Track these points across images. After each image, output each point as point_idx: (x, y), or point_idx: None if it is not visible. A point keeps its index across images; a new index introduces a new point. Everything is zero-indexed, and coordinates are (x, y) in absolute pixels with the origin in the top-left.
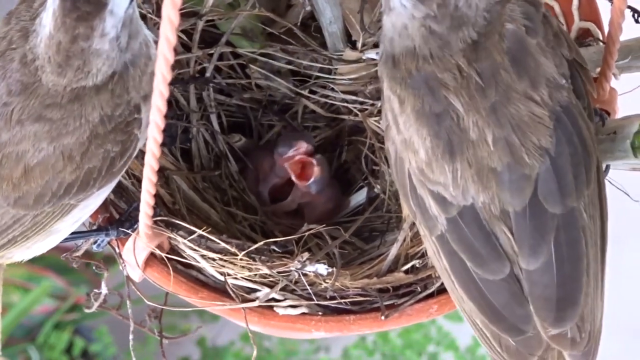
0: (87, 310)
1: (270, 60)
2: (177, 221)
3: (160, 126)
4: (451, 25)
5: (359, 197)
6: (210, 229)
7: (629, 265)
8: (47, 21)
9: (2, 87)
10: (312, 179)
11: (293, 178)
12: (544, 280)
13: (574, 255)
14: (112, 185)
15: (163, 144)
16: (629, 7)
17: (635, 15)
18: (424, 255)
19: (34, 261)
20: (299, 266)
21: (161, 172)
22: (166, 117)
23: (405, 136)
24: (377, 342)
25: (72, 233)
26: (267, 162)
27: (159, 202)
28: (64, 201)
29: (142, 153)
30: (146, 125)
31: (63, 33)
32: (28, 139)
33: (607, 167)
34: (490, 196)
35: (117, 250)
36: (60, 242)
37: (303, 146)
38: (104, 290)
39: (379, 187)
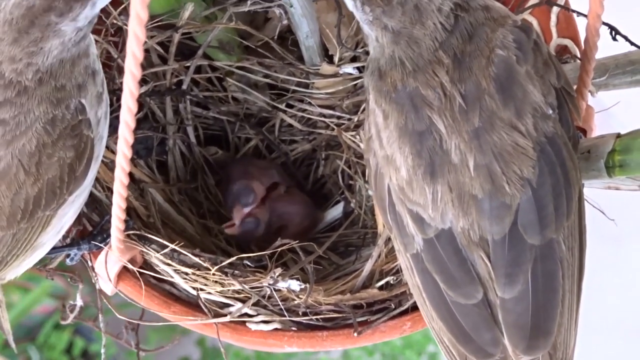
0: (62, 322)
1: (247, 74)
2: (150, 235)
3: (129, 141)
4: (407, 18)
5: (335, 211)
6: (183, 242)
7: (628, 266)
8: None
9: None
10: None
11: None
12: (519, 309)
13: (550, 286)
14: (85, 188)
15: (139, 156)
16: (607, 24)
17: (613, 32)
18: (398, 271)
19: None
20: (271, 282)
21: (136, 184)
22: (142, 128)
23: (387, 152)
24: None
25: None
26: (239, 173)
27: (133, 214)
28: (38, 214)
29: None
30: (97, 122)
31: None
32: None
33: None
34: (469, 222)
35: (90, 264)
36: None
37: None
38: (78, 302)
39: (355, 201)
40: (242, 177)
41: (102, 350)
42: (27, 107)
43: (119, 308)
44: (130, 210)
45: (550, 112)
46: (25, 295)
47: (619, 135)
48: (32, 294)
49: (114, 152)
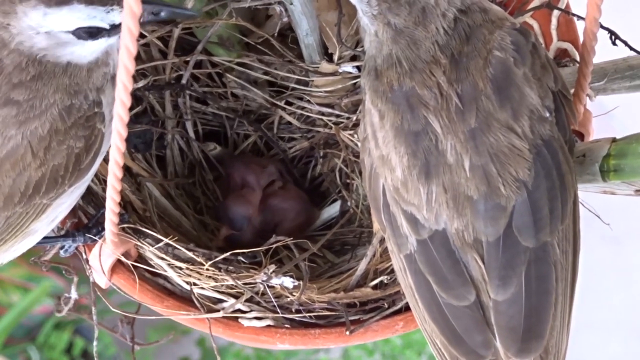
0: (57, 314)
1: (247, 70)
2: (145, 229)
3: (122, 134)
4: (412, 18)
5: (332, 210)
6: (177, 237)
7: (629, 266)
8: None
9: None
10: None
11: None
12: (511, 312)
13: (543, 289)
14: (85, 181)
15: (137, 150)
16: (606, 29)
17: (613, 37)
18: (392, 271)
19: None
20: (265, 278)
21: (134, 178)
22: (141, 122)
23: (383, 152)
24: (377, 342)
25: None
26: (239, 172)
27: (130, 208)
28: (35, 201)
29: None
30: (110, 119)
31: None
32: None
33: None
34: (464, 223)
35: (84, 256)
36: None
37: None
38: (73, 294)
39: (352, 200)
40: (241, 198)
41: (95, 343)
42: (43, 93)
43: (120, 307)
44: (126, 204)
45: (547, 115)
46: (25, 295)
47: (614, 140)
48: (32, 294)
49: None
